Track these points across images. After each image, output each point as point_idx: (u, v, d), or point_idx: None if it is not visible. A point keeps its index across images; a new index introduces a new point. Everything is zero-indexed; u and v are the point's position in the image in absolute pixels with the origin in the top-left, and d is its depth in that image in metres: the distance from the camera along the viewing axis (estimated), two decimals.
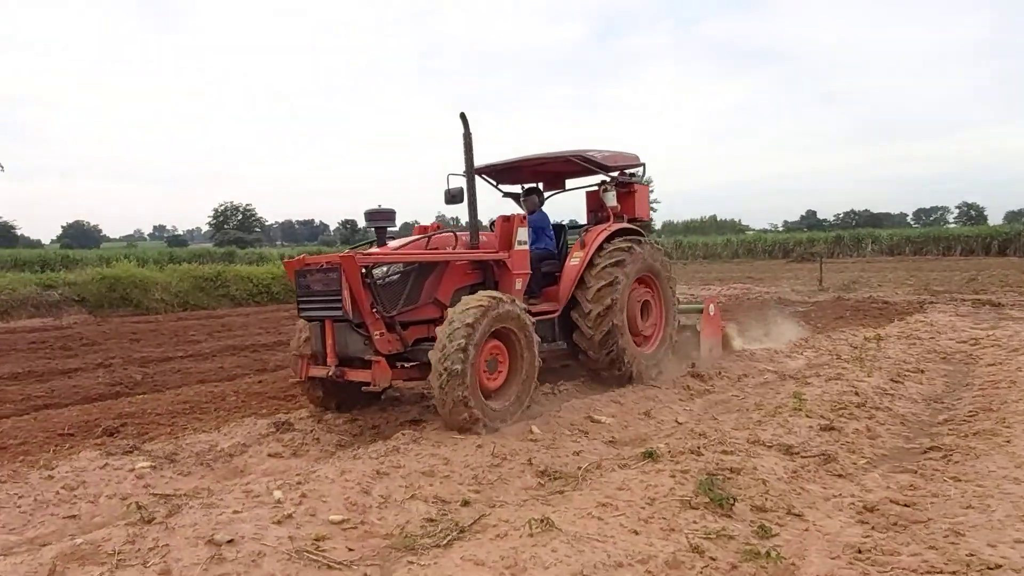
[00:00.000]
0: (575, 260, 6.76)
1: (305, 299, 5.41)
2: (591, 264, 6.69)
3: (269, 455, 4.95)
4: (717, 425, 5.20)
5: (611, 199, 7.29)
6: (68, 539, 3.35)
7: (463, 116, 5.63)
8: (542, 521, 3.33)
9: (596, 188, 7.55)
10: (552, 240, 7.26)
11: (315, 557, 3.14)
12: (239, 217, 77.61)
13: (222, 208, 77.91)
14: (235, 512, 3.48)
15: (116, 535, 3.20)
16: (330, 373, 5.26)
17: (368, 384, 5.53)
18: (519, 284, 6.08)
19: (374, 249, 5.68)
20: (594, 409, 5.75)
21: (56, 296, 15.99)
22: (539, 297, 6.79)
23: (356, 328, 5.20)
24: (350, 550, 3.25)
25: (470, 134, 5.66)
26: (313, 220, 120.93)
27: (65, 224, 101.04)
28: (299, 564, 3.06)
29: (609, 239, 6.97)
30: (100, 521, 3.78)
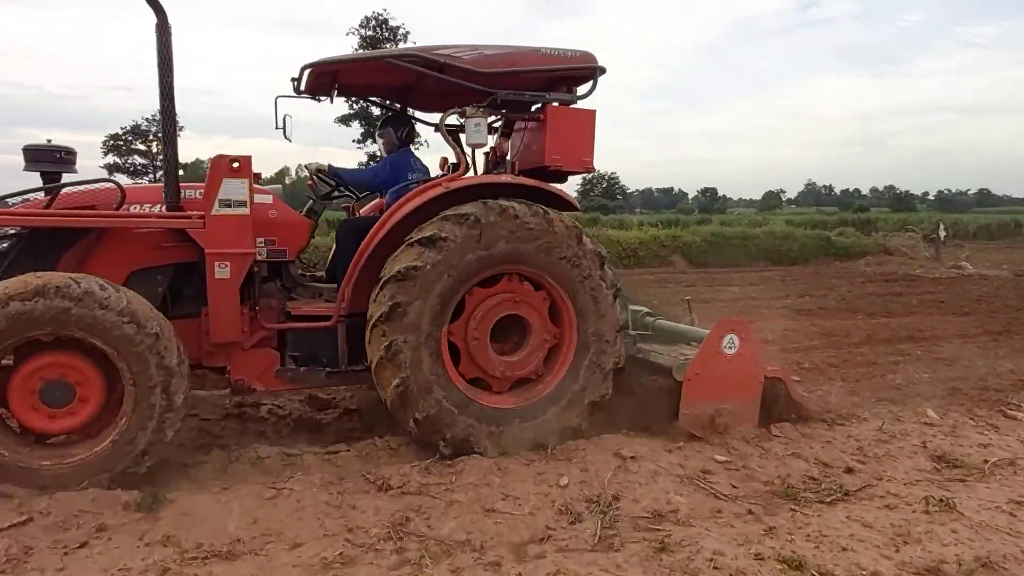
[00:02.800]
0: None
1: None
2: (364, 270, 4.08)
3: None
4: None
5: (474, 133, 4.16)
6: None
7: None
8: (941, 501, 3.23)
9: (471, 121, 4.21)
10: None
11: (702, 485, 3.57)
12: (603, 185, 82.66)
13: (590, 176, 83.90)
14: (634, 435, 4.12)
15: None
16: None
17: None
18: (224, 270, 3.87)
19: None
20: (1008, 404, 5.05)
21: None
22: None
23: None
24: (734, 487, 3.60)
25: (167, 26, 3.55)
26: (672, 188, 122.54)
27: None
28: (689, 488, 3.54)
29: (430, 208, 3.97)
30: None
